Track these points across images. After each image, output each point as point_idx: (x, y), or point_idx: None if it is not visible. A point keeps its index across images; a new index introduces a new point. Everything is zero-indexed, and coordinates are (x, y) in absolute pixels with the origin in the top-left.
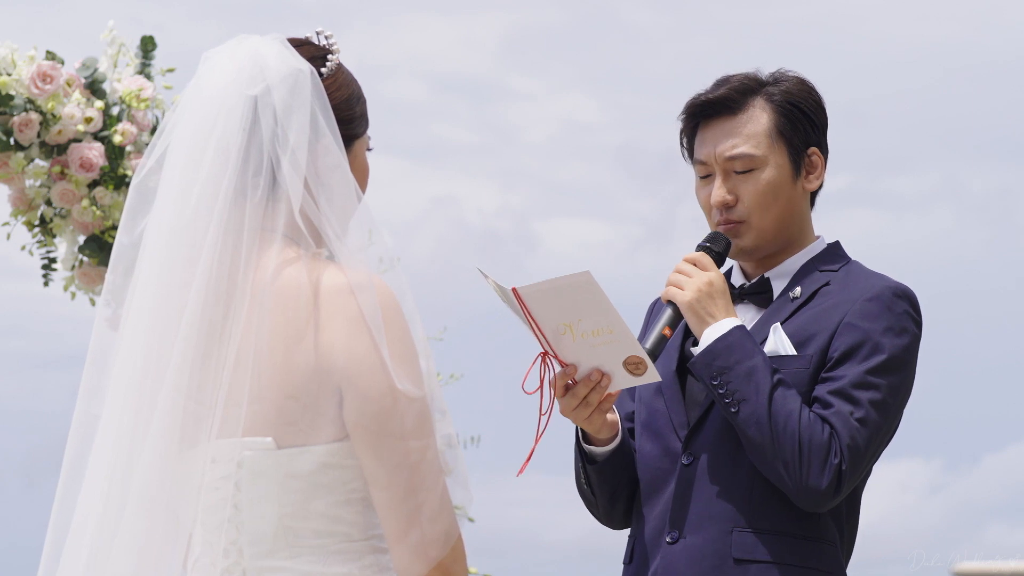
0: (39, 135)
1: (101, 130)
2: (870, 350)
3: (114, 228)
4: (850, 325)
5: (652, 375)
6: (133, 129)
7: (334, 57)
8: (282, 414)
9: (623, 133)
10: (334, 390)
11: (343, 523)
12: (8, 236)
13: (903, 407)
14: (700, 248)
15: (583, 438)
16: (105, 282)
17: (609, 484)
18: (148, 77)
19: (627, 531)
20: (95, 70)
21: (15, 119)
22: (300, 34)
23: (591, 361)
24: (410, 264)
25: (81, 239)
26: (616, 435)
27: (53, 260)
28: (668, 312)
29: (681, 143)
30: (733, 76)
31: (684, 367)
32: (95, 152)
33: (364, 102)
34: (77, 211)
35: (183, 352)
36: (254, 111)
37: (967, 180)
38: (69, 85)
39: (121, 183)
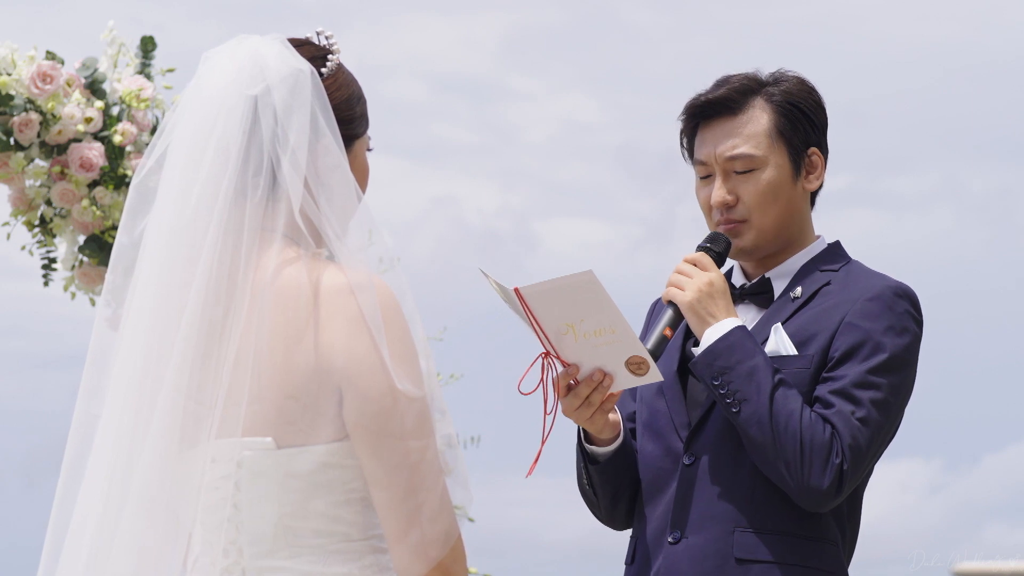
0: (39, 135)
1: (101, 130)
2: (871, 350)
3: (114, 228)
4: (851, 325)
5: (654, 375)
6: (133, 129)
7: (334, 57)
8: (282, 414)
9: (623, 133)
10: (334, 390)
11: (343, 523)
12: (8, 236)
13: (904, 406)
14: (700, 248)
15: (585, 438)
16: (105, 282)
17: (611, 484)
18: (148, 77)
19: (628, 531)
20: (95, 70)
21: (15, 119)
22: (300, 34)
23: (593, 361)
24: (410, 264)
25: (81, 239)
26: (618, 435)
27: (53, 260)
28: (669, 313)
29: (681, 143)
30: (733, 76)
31: (685, 367)
32: (95, 152)
33: (364, 102)
34: (77, 211)
35: (183, 352)
36: (254, 111)
37: (967, 180)
38: (69, 85)
39: (121, 183)
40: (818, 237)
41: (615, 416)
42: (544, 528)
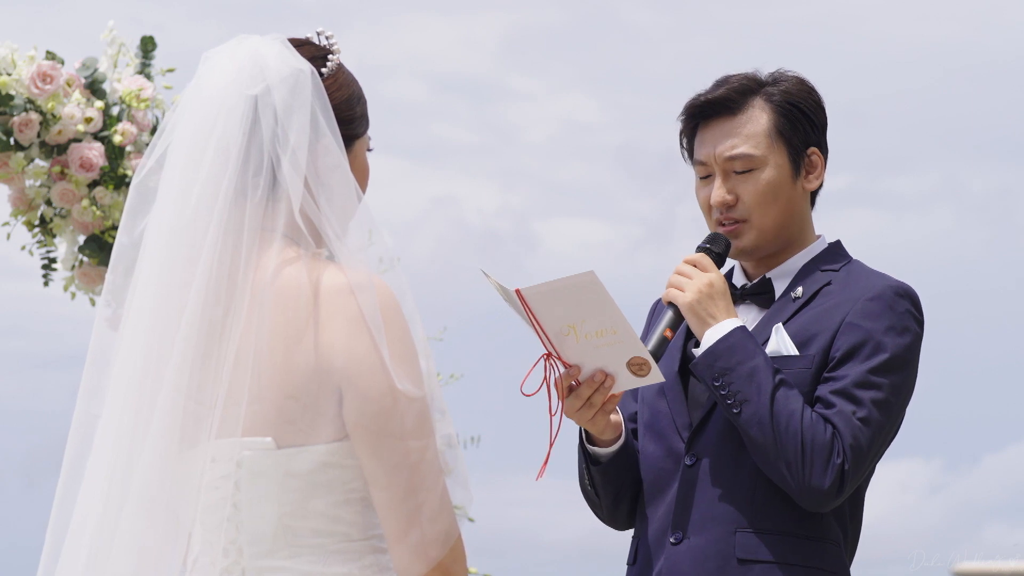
0: (39, 135)
1: (101, 130)
2: (872, 349)
3: (114, 228)
4: (852, 325)
5: (656, 376)
6: (133, 129)
7: (334, 57)
8: (282, 414)
9: (623, 133)
10: (334, 390)
11: (343, 523)
12: (8, 236)
13: (905, 406)
14: (700, 249)
15: (586, 439)
16: (105, 282)
17: (613, 485)
18: (148, 77)
19: (628, 532)
20: (95, 70)
21: (15, 119)
22: (300, 34)
23: (595, 362)
24: (410, 264)
25: (81, 239)
26: (620, 436)
27: (53, 260)
28: (669, 314)
29: (681, 143)
30: (733, 76)
31: (686, 368)
32: (95, 152)
33: (364, 102)
34: (77, 211)
35: (183, 352)
36: (254, 111)
37: (967, 180)
38: (69, 85)
39: (121, 183)
40: (819, 237)
41: (616, 417)
42: (544, 528)
